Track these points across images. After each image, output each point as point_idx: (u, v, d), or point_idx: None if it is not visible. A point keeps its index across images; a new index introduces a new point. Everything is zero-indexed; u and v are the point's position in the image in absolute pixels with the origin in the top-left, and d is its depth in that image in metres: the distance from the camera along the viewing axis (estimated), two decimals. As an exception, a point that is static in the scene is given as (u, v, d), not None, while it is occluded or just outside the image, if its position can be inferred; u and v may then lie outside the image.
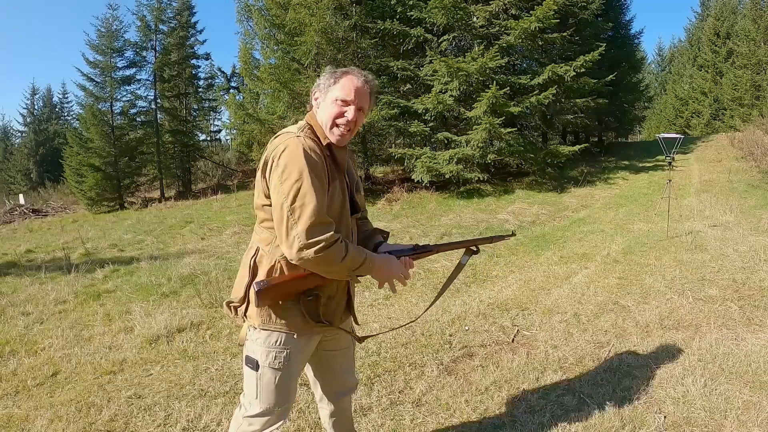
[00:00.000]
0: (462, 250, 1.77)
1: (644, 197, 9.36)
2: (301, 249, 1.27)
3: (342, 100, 1.41)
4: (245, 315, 1.48)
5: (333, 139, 1.42)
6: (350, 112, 1.41)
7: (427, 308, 2.03)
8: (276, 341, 1.45)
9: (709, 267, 4.56)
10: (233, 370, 2.87)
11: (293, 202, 1.28)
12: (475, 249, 1.76)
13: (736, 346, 2.89)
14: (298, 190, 1.28)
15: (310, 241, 1.27)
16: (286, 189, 1.29)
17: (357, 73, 1.44)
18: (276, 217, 1.32)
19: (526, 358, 2.88)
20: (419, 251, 1.60)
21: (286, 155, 1.32)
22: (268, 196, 1.39)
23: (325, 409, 1.78)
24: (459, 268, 1.80)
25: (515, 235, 1.92)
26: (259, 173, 1.42)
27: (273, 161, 1.34)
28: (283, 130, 1.45)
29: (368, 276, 1.46)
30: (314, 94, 1.48)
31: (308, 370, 1.73)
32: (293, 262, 1.32)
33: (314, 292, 1.44)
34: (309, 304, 1.44)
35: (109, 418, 2.40)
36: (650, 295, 3.91)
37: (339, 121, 1.42)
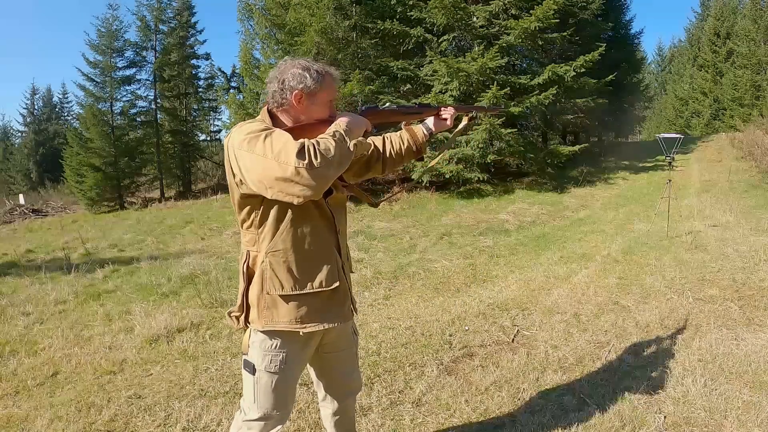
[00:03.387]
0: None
1: (644, 197, 9.35)
2: (308, 170, 1.20)
3: (332, 100, 1.49)
4: (246, 322, 1.47)
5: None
6: (334, 110, 1.50)
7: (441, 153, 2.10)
8: (272, 345, 1.45)
9: (709, 267, 4.56)
10: (233, 370, 2.86)
11: (273, 150, 1.23)
12: (473, 114, 1.85)
13: (736, 346, 2.89)
14: (271, 140, 1.25)
15: (307, 158, 1.21)
16: (260, 149, 1.24)
17: (335, 71, 1.49)
18: (269, 177, 1.23)
19: (526, 358, 2.88)
20: (423, 107, 1.72)
21: (239, 132, 1.31)
22: (243, 194, 1.37)
23: (327, 408, 1.77)
24: (459, 129, 1.84)
25: (502, 107, 2.02)
26: (227, 171, 1.39)
27: (232, 147, 1.32)
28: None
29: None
30: (297, 97, 1.41)
31: (311, 371, 1.73)
32: (316, 191, 1.24)
33: None
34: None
35: (109, 418, 2.40)
36: (650, 295, 3.91)
37: (332, 119, 1.46)
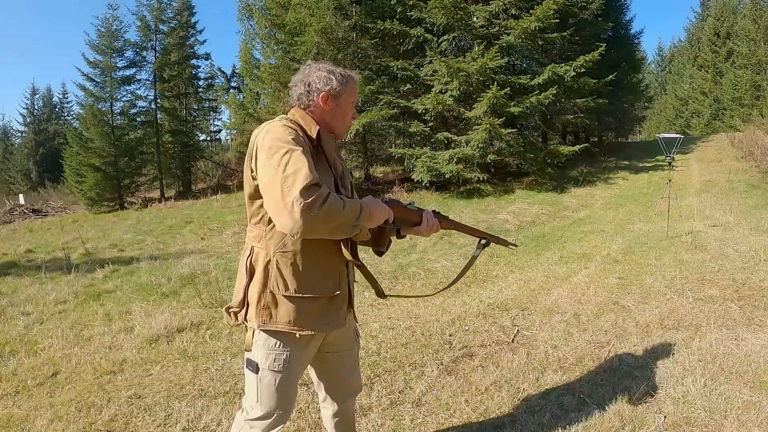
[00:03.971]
0: (469, 248, 1.85)
1: (644, 197, 9.36)
2: (303, 211, 1.20)
3: (354, 102, 1.55)
4: (245, 319, 1.47)
5: (344, 135, 1.57)
6: (355, 111, 1.59)
7: (445, 288, 2.04)
8: (276, 344, 1.45)
9: (709, 267, 4.56)
10: (233, 370, 2.87)
11: (285, 170, 1.25)
12: (485, 242, 1.84)
13: (736, 346, 2.89)
14: (289, 159, 1.26)
15: (309, 200, 1.21)
16: (276, 161, 1.27)
17: (354, 74, 1.57)
18: (270, 193, 1.27)
19: (526, 358, 2.88)
20: (438, 216, 1.66)
21: (270, 134, 1.34)
22: (256, 187, 1.39)
23: (328, 409, 1.77)
24: (473, 260, 1.86)
25: (517, 246, 2.00)
26: (246, 165, 1.42)
27: (257, 144, 1.36)
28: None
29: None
30: (324, 98, 1.46)
31: (312, 372, 1.73)
32: (297, 233, 1.23)
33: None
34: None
35: (109, 418, 2.39)
36: (650, 295, 3.91)
37: (352, 120, 1.57)
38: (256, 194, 1.41)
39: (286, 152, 1.27)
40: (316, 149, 1.43)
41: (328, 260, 1.46)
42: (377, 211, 1.41)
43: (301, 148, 1.30)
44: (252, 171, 1.38)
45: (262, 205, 1.39)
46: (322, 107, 1.48)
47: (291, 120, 1.45)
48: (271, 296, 1.42)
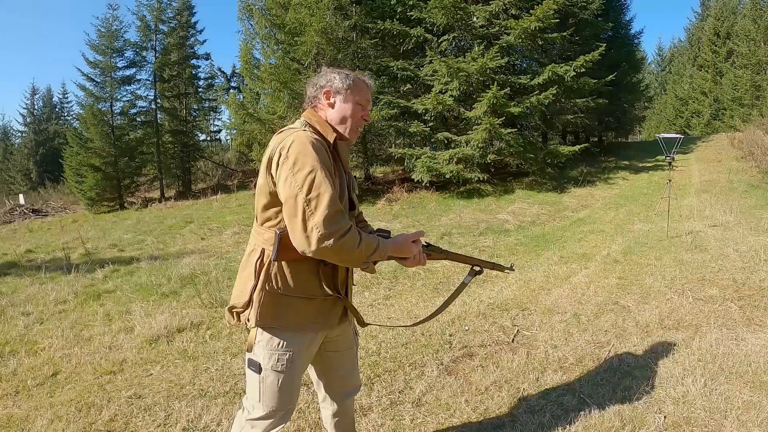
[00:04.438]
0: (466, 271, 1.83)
1: (644, 197, 9.36)
2: (320, 239, 1.25)
3: (362, 104, 1.51)
4: (248, 319, 1.46)
5: (351, 137, 1.52)
6: (368, 115, 1.55)
7: (427, 319, 1.89)
8: (279, 344, 1.45)
9: (709, 267, 4.56)
10: (233, 370, 2.87)
11: (309, 192, 1.26)
12: (478, 269, 1.80)
13: (736, 346, 2.89)
14: (313, 180, 1.27)
15: (329, 230, 1.25)
16: (300, 180, 1.28)
17: (367, 77, 1.56)
18: (288, 210, 1.30)
19: (526, 358, 2.88)
20: (431, 249, 1.64)
21: (295, 147, 1.32)
22: (273, 193, 1.38)
23: (327, 409, 1.78)
24: (462, 286, 1.82)
25: (513, 270, 1.95)
26: (263, 169, 1.40)
27: (281, 155, 1.33)
28: (286, 127, 1.48)
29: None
30: (326, 94, 1.50)
31: (312, 371, 1.73)
32: (310, 253, 1.29)
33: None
34: (327, 271, 1.45)
35: (109, 418, 2.39)
36: (650, 295, 3.91)
37: (358, 122, 1.52)
38: (274, 201, 1.40)
39: (310, 171, 1.28)
40: (332, 154, 1.44)
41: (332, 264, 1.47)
42: (400, 247, 1.46)
43: (324, 168, 1.30)
44: (273, 178, 1.37)
45: (280, 212, 1.39)
46: (323, 102, 1.51)
47: (311, 127, 1.45)
48: (276, 297, 1.42)
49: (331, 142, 1.43)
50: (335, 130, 1.48)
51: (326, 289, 1.46)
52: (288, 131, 1.41)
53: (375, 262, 1.46)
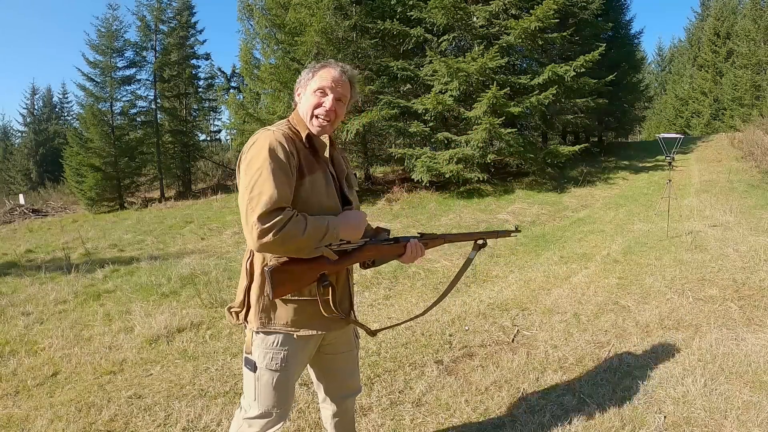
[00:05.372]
0: (469, 247, 1.79)
1: (644, 197, 9.35)
2: (260, 235, 1.26)
3: (320, 90, 1.45)
4: (245, 319, 1.48)
5: (313, 129, 1.46)
6: (328, 102, 1.45)
7: (435, 303, 1.90)
8: (273, 343, 1.46)
9: (709, 267, 4.56)
10: (233, 370, 2.87)
11: (251, 191, 1.29)
12: (482, 242, 1.77)
13: (736, 346, 2.89)
14: (257, 179, 1.29)
15: (266, 226, 1.26)
16: (247, 180, 1.32)
17: (334, 64, 1.50)
18: (240, 207, 1.33)
19: (526, 358, 2.88)
20: (426, 238, 1.63)
21: (254, 148, 1.36)
22: None
23: (327, 410, 1.78)
24: (468, 262, 1.81)
25: (520, 231, 1.93)
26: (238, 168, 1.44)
27: (243, 154, 1.39)
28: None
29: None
30: (296, 90, 1.54)
31: (312, 373, 1.73)
32: (256, 249, 1.31)
33: (327, 279, 1.42)
34: (323, 291, 1.43)
35: (109, 418, 2.40)
36: (650, 295, 3.91)
37: (318, 111, 1.45)
38: None
39: (257, 170, 1.30)
40: (310, 151, 1.44)
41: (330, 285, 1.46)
42: (346, 230, 1.41)
43: (273, 167, 1.30)
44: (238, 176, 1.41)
45: None
46: (295, 100, 1.53)
47: (289, 126, 1.46)
48: (268, 298, 1.43)
49: (303, 137, 1.44)
50: (306, 126, 1.48)
51: (324, 312, 1.43)
52: (259, 131, 1.42)
53: (340, 248, 1.41)
